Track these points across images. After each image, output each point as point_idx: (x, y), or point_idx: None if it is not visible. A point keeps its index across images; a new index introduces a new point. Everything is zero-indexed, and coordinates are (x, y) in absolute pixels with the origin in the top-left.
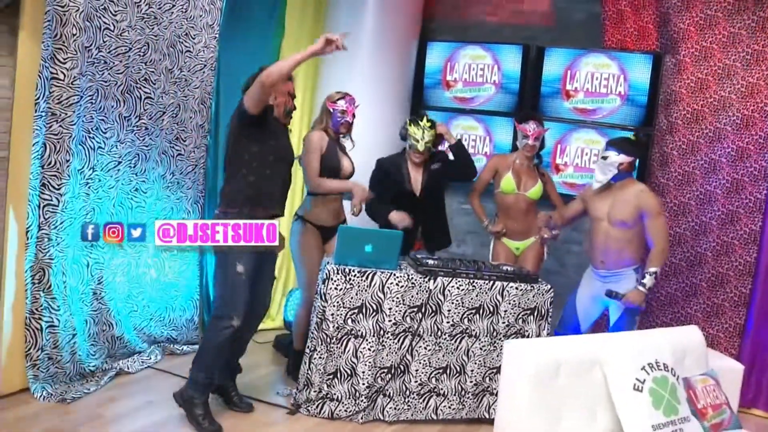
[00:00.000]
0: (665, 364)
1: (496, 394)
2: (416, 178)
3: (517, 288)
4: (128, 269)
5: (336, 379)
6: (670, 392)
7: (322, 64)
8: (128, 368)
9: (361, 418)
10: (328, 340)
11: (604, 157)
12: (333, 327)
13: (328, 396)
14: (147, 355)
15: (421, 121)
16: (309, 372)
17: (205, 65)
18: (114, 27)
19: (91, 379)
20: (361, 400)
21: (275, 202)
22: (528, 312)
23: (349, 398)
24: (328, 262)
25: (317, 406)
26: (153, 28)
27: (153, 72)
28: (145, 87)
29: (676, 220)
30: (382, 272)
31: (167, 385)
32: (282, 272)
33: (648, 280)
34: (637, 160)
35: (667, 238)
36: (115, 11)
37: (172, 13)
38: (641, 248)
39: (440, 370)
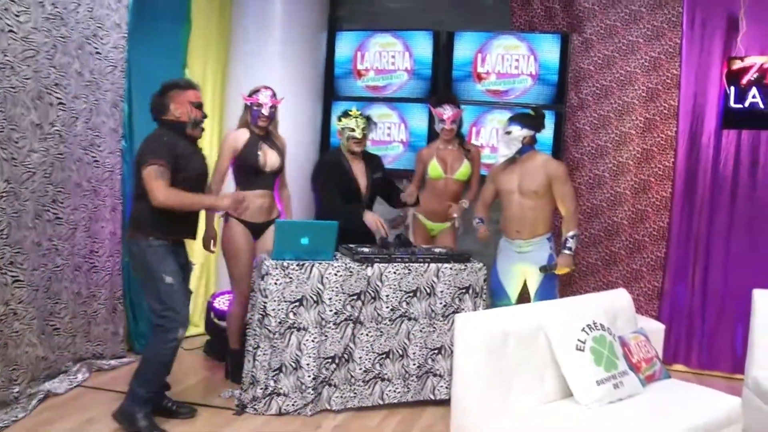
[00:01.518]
0: (602, 324)
1: (440, 375)
2: (359, 174)
3: (451, 268)
4: (48, 285)
5: (281, 374)
6: (609, 349)
7: (230, 61)
8: (56, 390)
9: (309, 411)
10: (271, 335)
11: (508, 132)
12: (275, 322)
13: (275, 392)
14: (74, 374)
15: (350, 112)
16: (253, 370)
17: (116, 66)
18: (18, 29)
19: (16, 405)
20: (308, 393)
21: (186, 228)
22: (463, 290)
23: (296, 392)
24: (265, 259)
25: (264, 404)
26: (60, 30)
27: (63, 76)
28: (56, 92)
29: (592, 193)
30: (320, 263)
31: (103, 401)
32: (202, 279)
33: (572, 243)
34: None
35: (576, 202)
36: (18, 12)
37: (78, 12)
38: (551, 217)
39: (383, 356)
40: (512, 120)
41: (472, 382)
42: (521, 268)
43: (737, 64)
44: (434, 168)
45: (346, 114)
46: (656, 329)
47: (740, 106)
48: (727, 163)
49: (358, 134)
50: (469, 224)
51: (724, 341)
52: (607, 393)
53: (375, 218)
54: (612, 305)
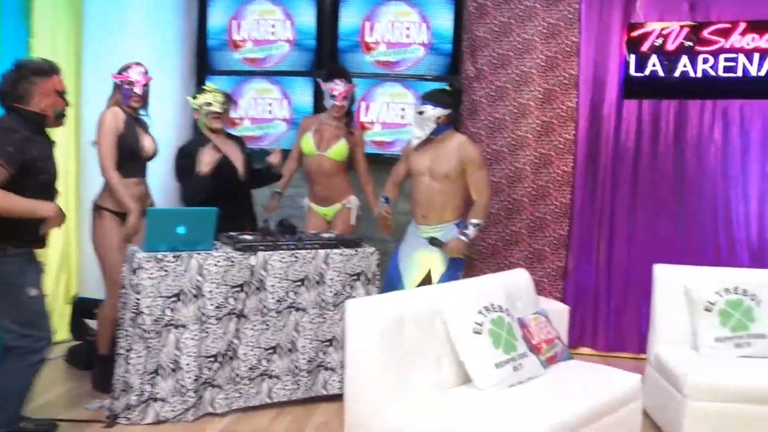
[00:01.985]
0: (500, 306)
1: (332, 369)
2: (232, 155)
3: (341, 254)
4: None
5: (158, 377)
6: (507, 331)
7: (85, 30)
8: None
9: (191, 416)
10: (146, 335)
11: (420, 112)
12: (150, 320)
13: (152, 397)
14: None
15: (205, 87)
16: (126, 375)
17: None
18: None
19: None
20: (189, 396)
21: (35, 235)
22: (354, 277)
23: (175, 396)
24: (136, 251)
25: (139, 412)
26: None
27: None
28: None
29: (491, 169)
30: (199, 254)
31: None
32: (60, 279)
33: (471, 231)
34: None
35: (489, 191)
36: None
37: None
38: (463, 203)
39: (270, 351)
40: (425, 98)
41: (365, 371)
42: (425, 255)
43: (637, 31)
44: (307, 142)
45: (201, 90)
46: (560, 311)
47: (641, 74)
48: (629, 135)
49: (217, 108)
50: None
51: (630, 321)
52: (507, 376)
53: (209, 153)
54: (511, 286)
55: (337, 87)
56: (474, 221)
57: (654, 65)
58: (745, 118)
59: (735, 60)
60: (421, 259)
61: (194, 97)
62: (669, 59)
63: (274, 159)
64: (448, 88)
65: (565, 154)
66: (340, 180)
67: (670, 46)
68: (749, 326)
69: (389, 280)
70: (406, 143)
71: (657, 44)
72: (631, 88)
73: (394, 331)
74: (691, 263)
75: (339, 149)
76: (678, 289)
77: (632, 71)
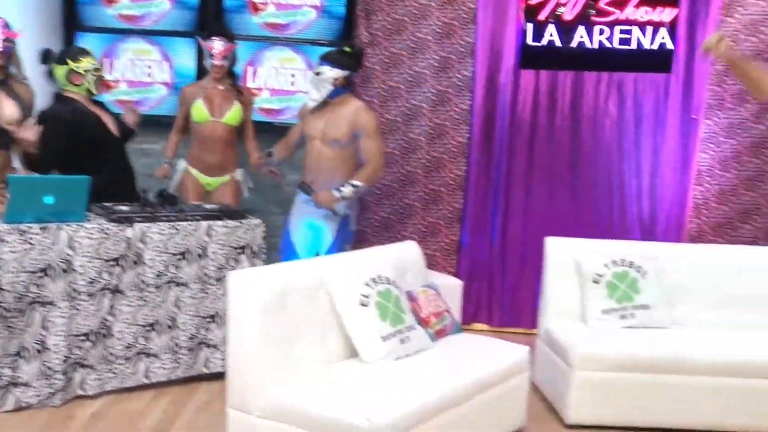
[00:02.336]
0: (387, 278)
1: (214, 346)
2: (108, 122)
3: (224, 226)
4: None
5: (22, 360)
6: (395, 304)
7: None
8: None
9: (58, 400)
10: (7, 314)
11: (318, 73)
12: (12, 297)
13: (12, 382)
14: None
15: (86, 50)
16: None
17: None
18: None
19: None
20: (56, 378)
21: None
22: (239, 250)
23: (41, 379)
24: None
25: None
26: None
27: None
28: None
29: (384, 140)
30: (69, 225)
31: None
32: None
33: (346, 189)
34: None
35: (381, 160)
36: None
37: None
38: (354, 172)
39: (148, 328)
40: (323, 59)
41: (248, 346)
42: (315, 223)
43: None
44: (199, 110)
45: (83, 53)
46: (453, 286)
47: (538, 44)
48: (526, 106)
49: (105, 74)
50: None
51: (524, 296)
52: (394, 349)
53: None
54: (400, 258)
55: (216, 45)
56: (354, 182)
57: (551, 35)
58: (639, 91)
59: (629, 32)
60: (311, 227)
61: (72, 60)
62: (566, 29)
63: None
64: (348, 49)
65: (461, 124)
66: (232, 148)
67: (568, 16)
68: (634, 297)
69: (285, 252)
70: (302, 106)
71: (554, 13)
72: (528, 57)
73: (278, 303)
74: (585, 236)
75: (234, 114)
76: (569, 262)
77: (529, 40)
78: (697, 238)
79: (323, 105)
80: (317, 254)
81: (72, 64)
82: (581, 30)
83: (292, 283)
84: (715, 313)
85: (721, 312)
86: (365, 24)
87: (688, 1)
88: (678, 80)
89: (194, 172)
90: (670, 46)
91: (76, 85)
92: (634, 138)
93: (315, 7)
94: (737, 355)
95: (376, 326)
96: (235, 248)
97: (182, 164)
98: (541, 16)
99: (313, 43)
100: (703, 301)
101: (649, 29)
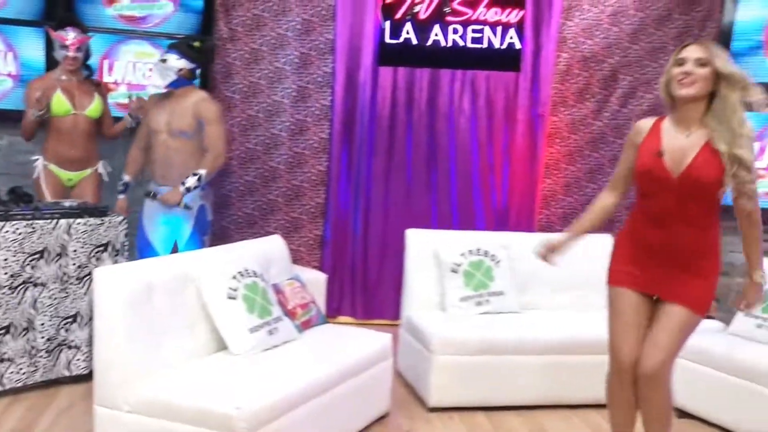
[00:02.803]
0: (254, 271)
1: (76, 347)
2: None
3: (85, 224)
4: None
5: None
6: (262, 296)
7: None
8: None
9: None
10: None
11: (163, 60)
12: None
13: None
14: None
15: None
16: None
17: None
18: None
19: None
20: None
21: None
22: (101, 248)
23: None
24: None
25: None
26: None
27: None
28: None
29: (246, 135)
30: None
31: None
32: None
33: (190, 180)
34: (200, 70)
35: (224, 146)
36: None
37: None
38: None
39: (2, 331)
40: (171, 47)
41: (115, 343)
42: (170, 218)
43: None
44: (60, 102)
45: None
46: (318, 280)
47: (395, 41)
48: (385, 102)
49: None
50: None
51: (387, 288)
52: (262, 340)
53: None
54: (265, 252)
55: (69, 36)
56: (199, 171)
57: (408, 33)
58: (490, 89)
59: (481, 32)
60: (167, 223)
61: None
62: (422, 27)
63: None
64: (196, 44)
65: (322, 121)
66: (94, 141)
67: (423, 15)
68: (489, 285)
69: (143, 250)
70: (133, 101)
71: (410, 11)
72: (386, 55)
73: (145, 299)
74: (443, 228)
75: (96, 106)
76: (428, 253)
77: (387, 38)
78: (547, 227)
79: (166, 97)
80: (176, 245)
81: None
82: (436, 28)
83: (159, 279)
84: (561, 297)
85: (567, 295)
86: (224, 19)
87: (533, 3)
88: (526, 78)
89: (53, 167)
90: (518, 45)
91: None
92: (486, 133)
93: (173, 0)
94: (578, 335)
95: (243, 319)
96: (97, 246)
97: (39, 160)
98: (398, 15)
99: (171, 37)
100: (550, 285)
101: (499, 29)
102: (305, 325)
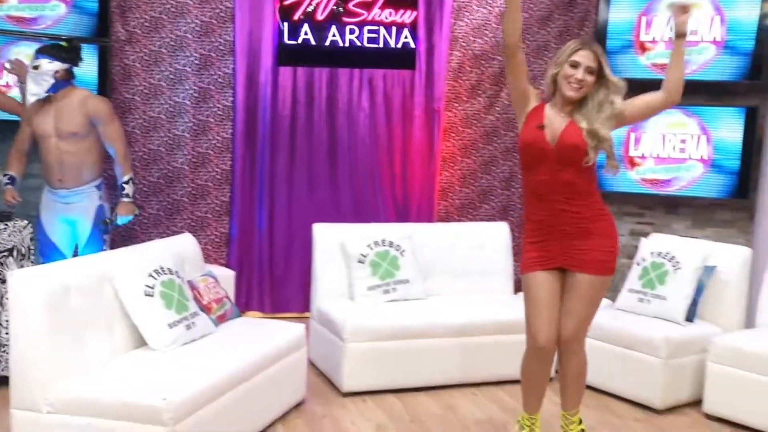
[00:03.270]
0: (169, 269)
1: None
2: None
3: None
4: None
5: None
6: (179, 292)
7: None
8: None
9: None
10: None
11: (36, 67)
12: None
13: None
14: None
15: None
16: None
17: None
18: None
19: None
20: None
21: None
22: (5, 253)
23: None
24: None
25: None
26: None
27: None
28: None
29: (148, 137)
30: None
31: None
32: None
33: (128, 189)
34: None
35: (125, 142)
36: None
37: None
38: (100, 162)
39: None
40: (39, 52)
41: (33, 346)
42: (69, 218)
43: (289, 0)
44: None
45: None
46: (226, 277)
47: (294, 42)
48: (285, 102)
49: None
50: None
51: (294, 282)
52: (181, 335)
53: None
54: (178, 250)
55: None
56: (126, 178)
57: (306, 33)
58: (388, 86)
59: (377, 32)
60: (67, 224)
61: None
62: (319, 28)
63: None
64: (64, 44)
65: (224, 120)
66: None
67: (320, 16)
68: (395, 274)
69: (44, 252)
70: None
71: (307, 13)
72: (285, 55)
73: (61, 300)
74: (348, 222)
75: None
76: (335, 246)
77: (286, 39)
78: (445, 217)
79: (48, 101)
80: (77, 247)
81: None
82: (333, 29)
83: (75, 280)
84: (462, 282)
85: (467, 280)
86: (121, 21)
87: (425, 4)
88: (421, 76)
89: None
90: (412, 45)
91: None
92: (385, 129)
93: (65, 1)
94: (479, 318)
95: (162, 315)
96: (2, 251)
97: None
98: (296, 16)
99: (61, 39)
100: (452, 272)
101: (394, 29)
102: (221, 319)
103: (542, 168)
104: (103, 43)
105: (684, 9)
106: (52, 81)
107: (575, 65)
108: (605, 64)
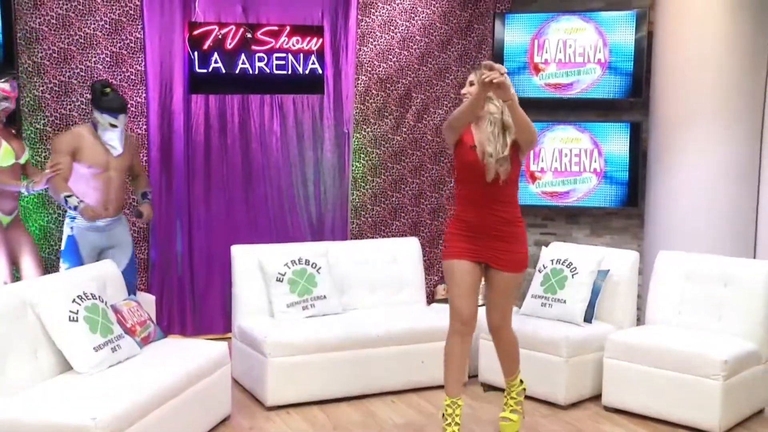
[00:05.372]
0: (93, 294)
1: None
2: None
3: None
4: None
5: None
6: (103, 316)
7: None
8: None
9: None
10: None
11: None
12: None
13: None
14: None
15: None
16: None
17: None
18: None
19: None
20: None
21: None
22: None
23: None
24: None
25: None
26: None
27: None
28: None
29: None
30: None
31: None
32: None
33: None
34: None
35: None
36: None
37: None
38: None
39: None
40: None
41: None
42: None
43: (198, 30)
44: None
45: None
46: (147, 301)
47: (204, 70)
48: (199, 128)
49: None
50: None
51: (214, 303)
52: (106, 357)
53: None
54: (100, 275)
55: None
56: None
57: (216, 62)
58: (298, 111)
59: (285, 59)
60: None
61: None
62: (229, 56)
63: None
64: None
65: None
66: None
67: (229, 45)
68: (312, 290)
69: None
70: None
71: (216, 42)
72: (197, 83)
73: None
74: (265, 242)
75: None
76: (254, 266)
77: (197, 68)
78: (359, 235)
79: None
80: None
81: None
82: (243, 57)
83: None
84: (375, 295)
85: (380, 294)
86: (27, 53)
87: (330, 32)
88: (329, 100)
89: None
90: (320, 71)
91: None
92: (297, 152)
93: None
94: (393, 329)
95: (87, 339)
96: None
97: None
98: (205, 45)
99: None
100: (365, 286)
101: (301, 56)
102: (145, 341)
103: (476, 181)
104: (10, 74)
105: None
106: None
107: (472, 84)
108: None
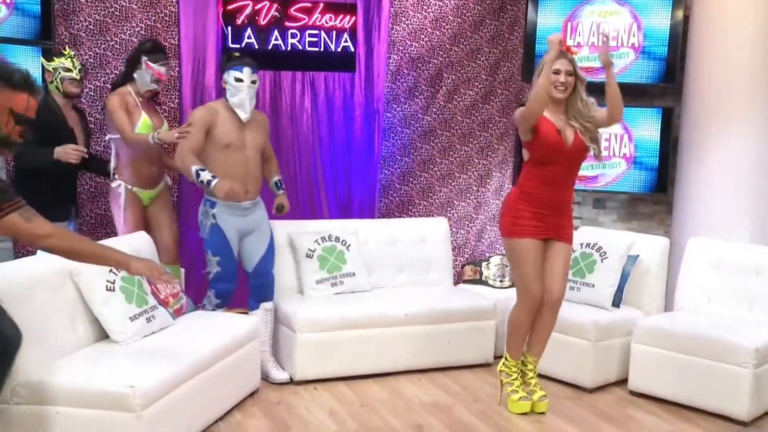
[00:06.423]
0: None
1: None
2: (74, 124)
3: None
4: None
5: None
6: (138, 287)
7: None
8: None
9: None
10: None
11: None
12: None
13: None
14: None
15: (64, 51)
16: None
17: None
18: None
19: None
20: None
21: None
22: None
23: None
24: None
25: None
26: None
27: None
28: None
29: (97, 140)
30: None
31: None
32: None
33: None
34: None
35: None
36: None
37: None
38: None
39: None
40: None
41: None
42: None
43: (232, 5)
44: (146, 122)
45: (60, 53)
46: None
47: (237, 46)
48: None
49: (75, 75)
50: None
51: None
52: (141, 327)
53: (64, 148)
54: (134, 248)
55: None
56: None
57: (249, 37)
58: (329, 89)
59: (318, 36)
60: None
61: (50, 59)
62: (262, 32)
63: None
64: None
65: (171, 122)
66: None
67: (262, 21)
68: (342, 267)
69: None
70: None
71: (250, 17)
72: None
73: (26, 294)
74: (295, 219)
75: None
76: (284, 242)
77: (230, 43)
78: (386, 214)
79: None
80: None
81: (45, 62)
82: (276, 33)
83: (39, 275)
84: (403, 275)
85: (407, 273)
86: (64, 24)
87: (364, 10)
88: (360, 78)
89: (136, 189)
90: (352, 48)
91: (49, 82)
92: (327, 130)
93: (5, 2)
94: (421, 308)
95: (123, 309)
96: None
97: (120, 187)
98: (239, 21)
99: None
100: (393, 265)
101: (334, 34)
102: (177, 313)
103: (558, 163)
104: (47, 46)
105: (604, 44)
106: None
107: (557, 72)
108: (577, 66)
